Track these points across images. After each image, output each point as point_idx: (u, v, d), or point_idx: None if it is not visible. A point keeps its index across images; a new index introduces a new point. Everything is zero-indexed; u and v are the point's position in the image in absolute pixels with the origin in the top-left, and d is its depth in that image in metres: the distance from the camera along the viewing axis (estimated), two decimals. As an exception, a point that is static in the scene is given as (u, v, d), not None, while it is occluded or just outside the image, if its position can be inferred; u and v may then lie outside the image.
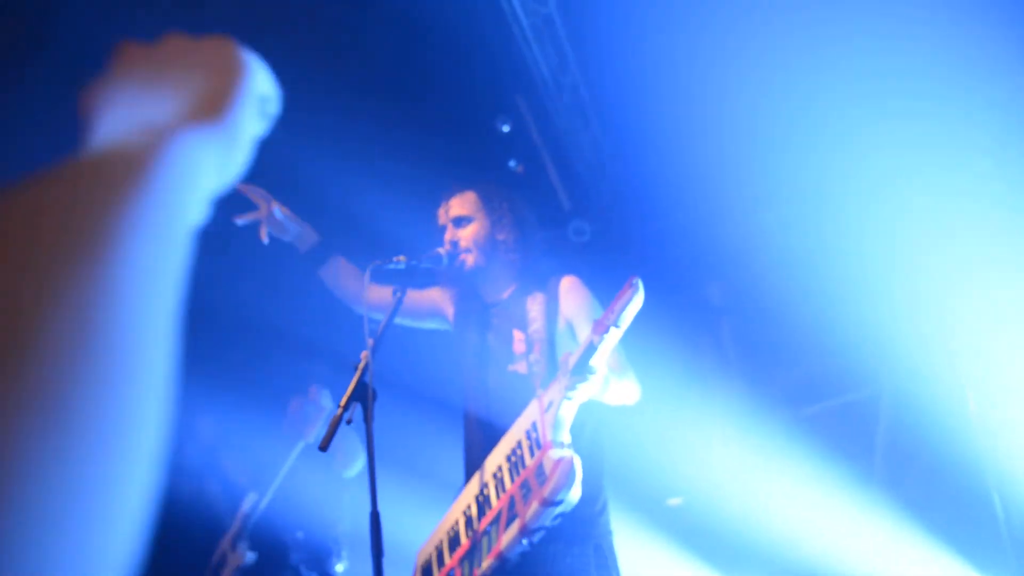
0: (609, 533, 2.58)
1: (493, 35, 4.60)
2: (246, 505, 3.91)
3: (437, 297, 2.96)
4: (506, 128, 5.00)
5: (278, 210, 2.75)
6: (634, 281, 2.12)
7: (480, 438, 2.66)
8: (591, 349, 2.19)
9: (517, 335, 2.63)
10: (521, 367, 2.59)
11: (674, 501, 4.84)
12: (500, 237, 2.77)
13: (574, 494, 2.21)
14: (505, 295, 2.80)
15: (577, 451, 2.35)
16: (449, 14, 4.64)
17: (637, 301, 2.13)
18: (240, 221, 2.72)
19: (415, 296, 2.95)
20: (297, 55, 4.65)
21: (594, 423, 2.62)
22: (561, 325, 2.64)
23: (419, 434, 4.40)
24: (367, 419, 2.21)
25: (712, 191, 4.59)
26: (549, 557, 2.37)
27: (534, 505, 2.21)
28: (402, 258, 2.59)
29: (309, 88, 4.67)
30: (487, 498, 2.46)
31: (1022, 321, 4.03)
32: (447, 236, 2.78)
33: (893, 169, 4.34)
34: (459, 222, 2.78)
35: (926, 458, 4.27)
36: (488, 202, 2.81)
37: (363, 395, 2.24)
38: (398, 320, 2.95)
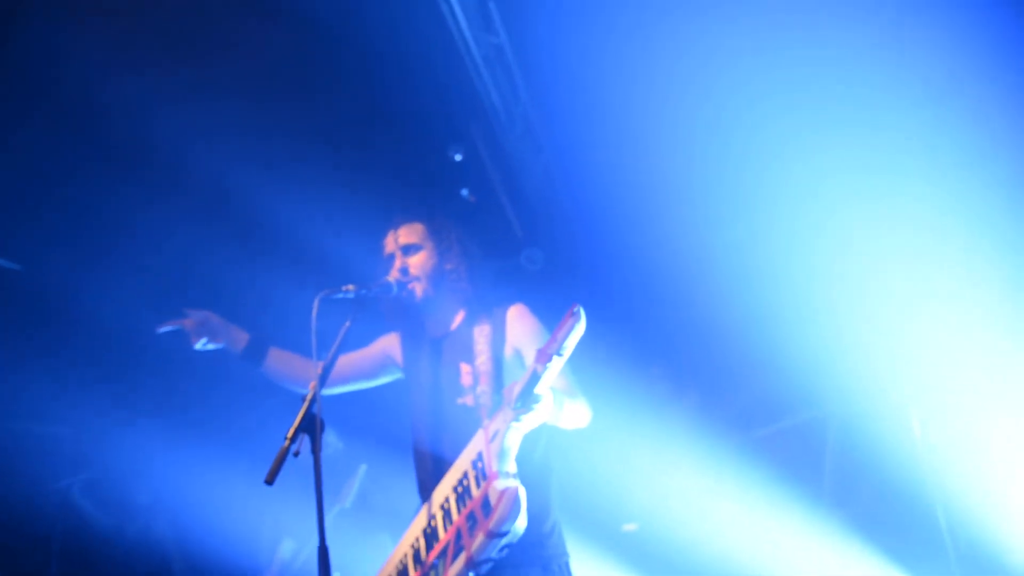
0: (563, 555, 2.58)
1: (445, 65, 4.64)
2: (283, 552, 3.84)
3: (386, 345, 2.98)
4: (458, 157, 5.03)
5: (209, 320, 2.82)
6: (576, 309, 2.15)
7: (431, 472, 2.66)
8: (534, 378, 2.21)
9: (464, 368, 2.64)
10: (469, 400, 2.59)
11: (629, 527, 4.85)
12: (448, 267, 2.80)
13: (520, 524, 2.22)
14: (453, 326, 2.81)
15: (526, 473, 2.37)
16: (401, 45, 4.68)
17: (579, 329, 2.15)
18: (162, 330, 2.75)
19: (364, 354, 2.97)
20: (249, 87, 4.66)
21: (544, 445, 2.63)
22: (508, 354, 2.66)
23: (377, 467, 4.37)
24: (315, 450, 2.20)
25: (663, 217, 4.67)
26: None
27: (479, 537, 2.21)
28: (351, 287, 2.59)
29: (261, 121, 4.67)
30: (435, 530, 2.45)
31: (964, 342, 4.15)
32: (396, 264, 2.79)
33: (837, 193, 4.45)
34: (408, 250, 2.80)
35: (873, 478, 4.36)
36: (436, 232, 2.84)
37: (311, 426, 2.23)
38: (354, 386, 2.95)
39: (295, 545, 3.84)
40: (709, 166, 4.50)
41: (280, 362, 2.91)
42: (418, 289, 2.75)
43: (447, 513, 2.43)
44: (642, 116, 4.38)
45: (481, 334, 2.63)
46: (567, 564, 2.57)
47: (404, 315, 2.85)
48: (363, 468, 4.10)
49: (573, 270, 5.23)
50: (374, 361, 2.98)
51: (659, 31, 4.11)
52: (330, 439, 4.29)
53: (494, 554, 2.23)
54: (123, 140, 4.51)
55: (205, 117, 4.41)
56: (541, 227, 5.27)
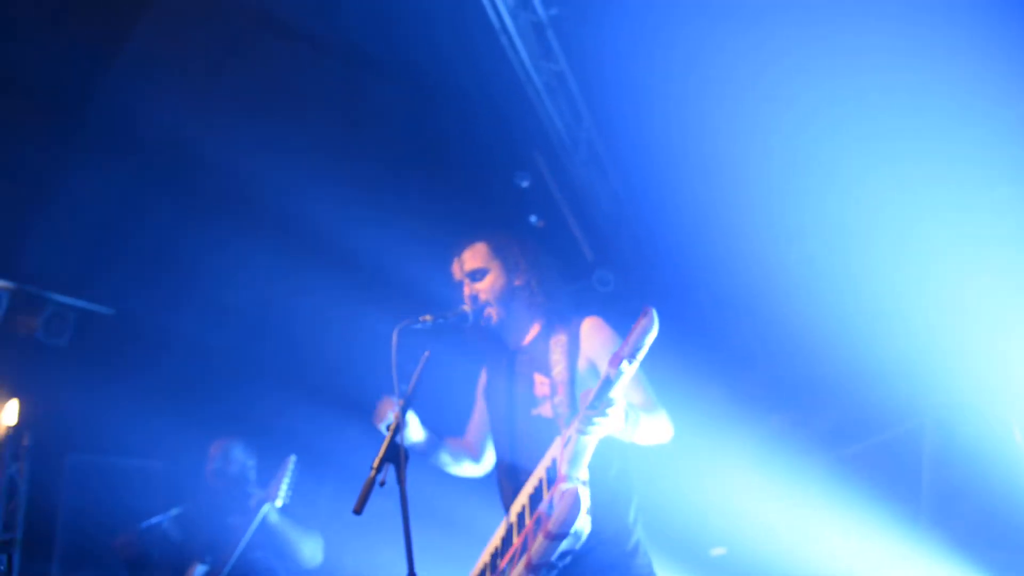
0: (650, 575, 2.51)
1: (507, 95, 4.71)
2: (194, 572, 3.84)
3: (481, 387, 2.96)
4: (525, 184, 5.07)
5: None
6: (648, 311, 2.09)
7: (510, 484, 2.64)
8: (607, 383, 2.16)
9: (538, 379, 2.62)
10: (544, 410, 2.58)
11: (718, 551, 4.73)
12: (518, 283, 2.77)
13: (581, 526, 2.16)
14: (528, 339, 2.79)
15: (602, 491, 2.32)
16: (463, 76, 4.77)
17: (653, 331, 2.08)
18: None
19: (478, 407, 2.96)
20: (319, 122, 4.81)
21: (620, 463, 2.57)
22: (583, 365, 2.61)
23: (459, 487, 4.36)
24: (400, 480, 2.21)
25: (733, 232, 4.59)
26: None
27: (540, 539, 2.18)
28: (428, 317, 2.62)
29: (332, 154, 4.81)
30: (509, 537, 2.45)
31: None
32: (465, 291, 2.79)
33: (923, 199, 4.30)
34: (475, 276, 2.79)
35: (974, 492, 4.15)
36: (500, 251, 2.81)
37: (395, 456, 2.25)
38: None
39: (205, 568, 3.82)
40: (782, 179, 4.41)
41: (449, 449, 2.90)
42: (493, 314, 2.74)
43: (520, 520, 2.42)
44: (707, 133, 4.33)
45: (557, 344, 2.60)
46: None
47: (487, 340, 2.83)
48: (292, 459, 3.95)
49: (646, 290, 5.17)
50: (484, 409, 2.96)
51: (721, 45, 4.08)
52: (236, 454, 4.17)
53: (554, 558, 2.18)
54: (202, 181, 4.70)
55: (276, 150, 4.56)
56: (611, 248, 5.25)
